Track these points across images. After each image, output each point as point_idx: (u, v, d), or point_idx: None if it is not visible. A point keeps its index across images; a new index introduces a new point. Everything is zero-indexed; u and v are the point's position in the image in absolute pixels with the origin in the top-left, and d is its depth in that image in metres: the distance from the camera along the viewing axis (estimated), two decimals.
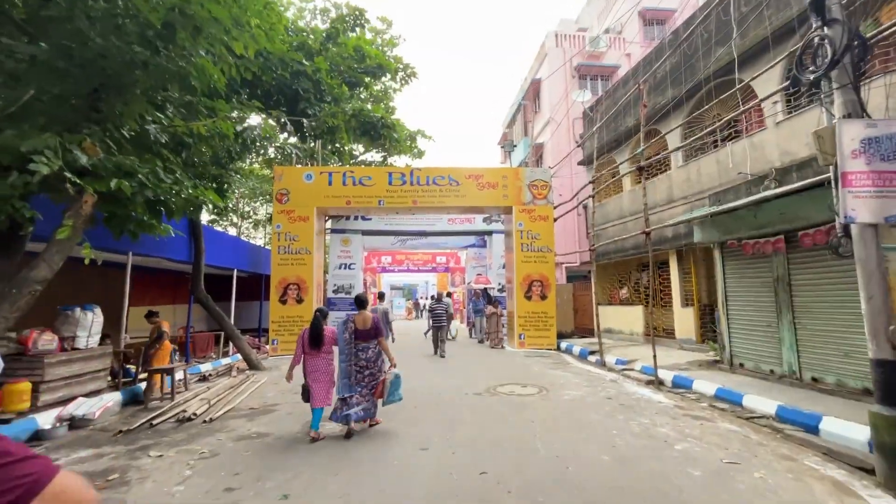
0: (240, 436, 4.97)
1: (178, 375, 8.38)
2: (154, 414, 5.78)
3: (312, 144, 13.68)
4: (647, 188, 11.61)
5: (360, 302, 5.26)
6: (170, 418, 5.73)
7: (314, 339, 4.90)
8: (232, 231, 19.84)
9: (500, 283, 17.44)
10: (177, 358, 8.65)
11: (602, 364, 9.82)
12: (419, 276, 49.45)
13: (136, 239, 5.79)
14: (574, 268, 18.00)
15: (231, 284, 13.62)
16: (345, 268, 17.40)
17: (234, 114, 8.27)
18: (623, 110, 12.52)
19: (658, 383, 7.46)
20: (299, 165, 14.68)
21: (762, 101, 6.42)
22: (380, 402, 5.03)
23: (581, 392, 6.81)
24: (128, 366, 7.98)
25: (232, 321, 11.85)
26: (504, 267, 17.59)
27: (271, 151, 16.48)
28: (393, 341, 10.40)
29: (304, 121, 5.40)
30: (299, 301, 12.67)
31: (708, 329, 9.99)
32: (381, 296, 13.77)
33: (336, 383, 4.93)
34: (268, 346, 12.53)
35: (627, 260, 12.84)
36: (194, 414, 5.79)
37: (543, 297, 13.04)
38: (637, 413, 5.61)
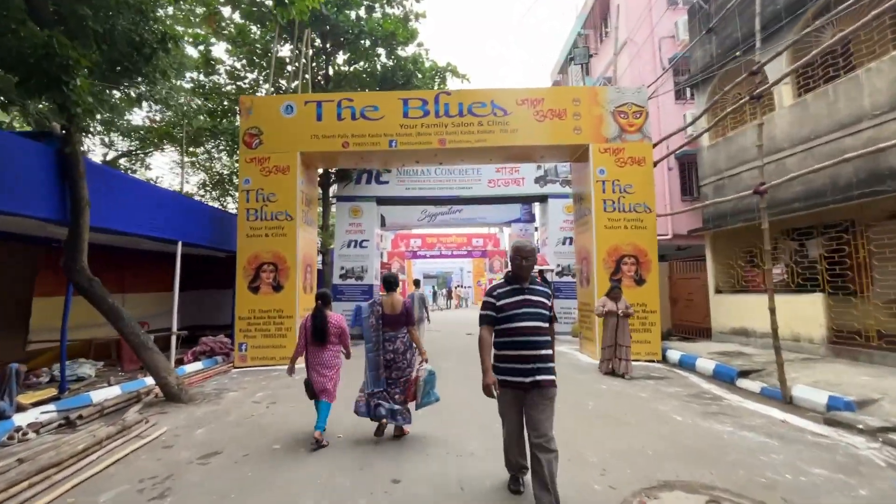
0: None
1: None
2: None
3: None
4: (834, 94, 6.79)
5: (389, 283, 4.36)
6: None
7: (317, 332, 4.21)
8: (231, 206, 16.18)
9: (558, 265, 12.97)
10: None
11: (786, 401, 5.29)
12: (453, 263, 45.55)
13: None
14: (665, 241, 13.20)
15: (222, 267, 10.03)
16: (355, 245, 13.39)
17: None
18: None
19: None
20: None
21: None
22: (412, 405, 4.22)
23: None
24: None
25: (174, 315, 8.08)
26: (568, 242, 13.07)
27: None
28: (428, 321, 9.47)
29: None
30: (277, 288, 8.72)
31: None
32: (416, 283, 10.31)
33: (364, 376, 4.27)
34: (235, 353, 8.69)
35: (777, 222, 8.04)
36: None
37: (640, 282, 8.52)
38: None
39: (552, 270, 12.43)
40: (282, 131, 9.02)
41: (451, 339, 11.50)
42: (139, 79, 5.84)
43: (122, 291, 10.49)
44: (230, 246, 9.35)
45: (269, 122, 9.03)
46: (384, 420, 4.13)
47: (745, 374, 6.43)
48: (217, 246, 9.44)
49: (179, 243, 8.16)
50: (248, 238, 8.82)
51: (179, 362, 8.68)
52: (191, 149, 12.09)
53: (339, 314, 4.49)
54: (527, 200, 15.09)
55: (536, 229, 19.32)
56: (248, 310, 8.69)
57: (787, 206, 7.48)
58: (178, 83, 7.04)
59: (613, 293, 7.04)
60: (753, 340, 8.41)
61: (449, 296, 34.50)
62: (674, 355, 8.20)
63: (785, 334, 7.77)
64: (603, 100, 8.99)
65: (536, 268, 12.06)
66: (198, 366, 8.39)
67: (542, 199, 13.94)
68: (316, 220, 10.58)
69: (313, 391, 4.25)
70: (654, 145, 9.18)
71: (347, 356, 4.49)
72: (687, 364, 7.69)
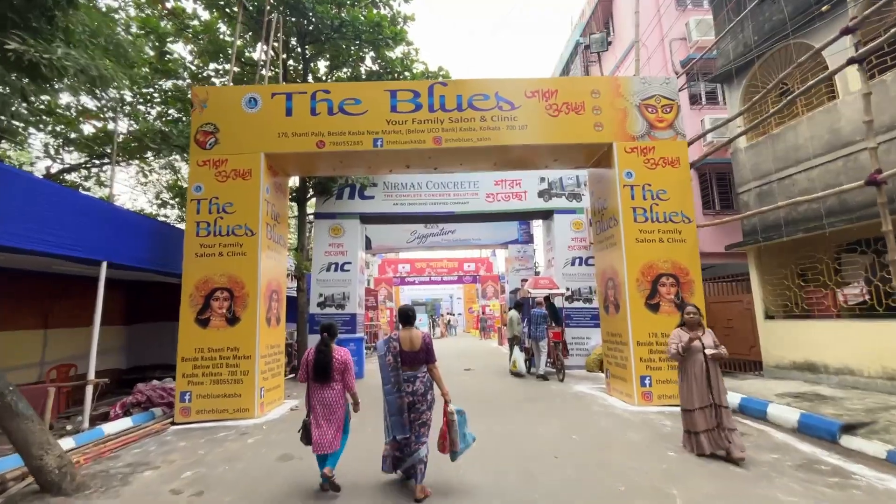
0: None
1: None
2: None
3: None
4: None
5: (406, 316, 3.93)
6: None
7: (319, 368, 3.79)
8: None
9: (567, 289, 11.39)
10: None
11: None
12: (442, 290, 43.89)
13: None
14: None
15: (178, 295, 8.22)
16: (335, 269, 11.67)
17: None
18: None
19: None
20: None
21: None
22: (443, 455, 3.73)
23: None
24: None
25: (93, 359, 6.24)
26: (577, 262, 11.61)
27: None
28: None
29: None
30: (232, 320, 6.95)
31: None
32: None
33: (385, 422, 3.80)
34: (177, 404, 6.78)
35: (841, 232, 6.61)
36: None
37: (682, 307, 6.96)
38: None
39: (562, 295, 10.83)
40: (243, 128, 7.45)
41: (448, 378, 9.69)
42: (29, 38, 4.21)
43: (44, 327, 8.56)
44: (179, 268, 7.57)
45: (228, 117, 7.46)
46: (421, 486, 3.56)
47: (849, 428, 4.81)
48: (161, 268, 7.66)
49: (104, 265, 6.39)
50: (196, 258, 7.08)
51: (104, 418, 6.79)
52: (145, 156, 10.41)
53: (345, 348, 4.00)
54: (529, 217, 13.64)
55: (535, 251, 17.91)
56: (195, 349, 6.86)
57: (866, 211, 6.06)
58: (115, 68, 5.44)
59: (690, 319, 4.46)
60: (825, 378, 6.84)
61: (433, 324, 32.55)
62: (730, 398, 6.56)
63: (874, 371, 6.20)
64: (626, 91, 7.65)
65: (544, 292, 10.48)
66: (125, 423, 6.46)
67: (547, 214, 12.48)
68: (287, 239, 8.90)
69: (310, 438, 3.78)
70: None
71: (356, 407, 3.95)
72: (753, 411, 6.05)
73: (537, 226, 18.40)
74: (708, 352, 4.33)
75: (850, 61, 4.85)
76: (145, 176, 11.09)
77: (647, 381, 6.76)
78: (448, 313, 38.33)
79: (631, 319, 6.93)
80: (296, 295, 11.18)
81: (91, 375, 6.19)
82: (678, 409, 6.37)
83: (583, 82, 7.95)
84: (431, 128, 7.47)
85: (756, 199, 8.00)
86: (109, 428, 6.12)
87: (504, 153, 7.88)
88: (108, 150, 10.74)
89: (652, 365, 6.80)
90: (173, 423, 6.60)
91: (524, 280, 16.63)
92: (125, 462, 4.87)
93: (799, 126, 7.20)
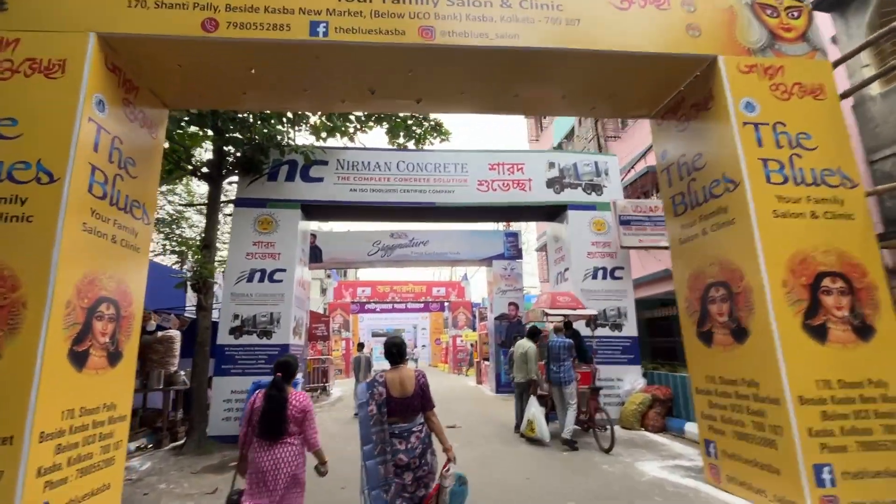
0: None
1: None
2: None
3: None
4: None
5: (393, 352, 2.95)
6: None
7: (267, 419, 2.75)
8: None
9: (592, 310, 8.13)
10: None
11: None
12: (405, 319, 39.93)
13: None
14: None
15: None
16: (262, 279, 7.95)
17: None
18: None
19: None
20: None
21: None
22: None
23: None
24: None
25: None
26: (601, 274, 8.55)
27: None
28: None
29: None
30: None
31: None
32: (360, 346, 9.68)
33: (362, 496, 2.74)
34: None
35: None
36: None
37: (863, 330, 3.88)
38: None
39: (591, 317, 7.58)
40: None
41: None
42: None
43: None
44: None
45: None
46: None
47: None
48: None
49: None
50: None
51: None
52: None
53: (304, 393, 2.98)
54: (534, 214, 10.51)
55: (524, 269, 14.81)
56: None
57: None
58: None
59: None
60: None
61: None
62: None
63: None
64: None
65: (564, 312, 7.27)
66: None
67: (557, 211, 9.38)
68: (153, 213, 5.27)
69: None
70: None
71: (322, 469, 2.91)
72: None
73: (524, 244, 15.49)
74: None
75: None
76: None
77: (826, 477, 3.52)
78: (412, 347, 34.44)
79: (784, 356, 3.74)
80: (195, 317, 7.36)
81: None
82: None
83: None
84: (416, 11, 4.23)
85: None
86: None
87: (537, 71, 4.70)
88: None
89: (831, 444, 3.59)
90: None
91: (512, 304, 13.45)
92: None
93: None
